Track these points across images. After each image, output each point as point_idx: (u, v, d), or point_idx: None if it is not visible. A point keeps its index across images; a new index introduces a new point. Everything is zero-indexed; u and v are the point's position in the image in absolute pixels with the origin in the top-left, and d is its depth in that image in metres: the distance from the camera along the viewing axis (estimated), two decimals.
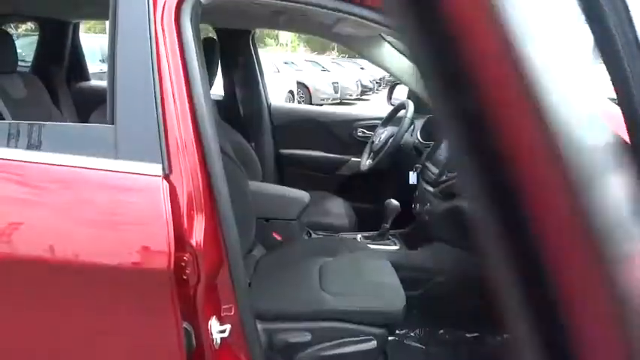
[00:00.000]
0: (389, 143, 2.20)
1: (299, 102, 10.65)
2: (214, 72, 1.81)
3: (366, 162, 2.40)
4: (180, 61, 1.07)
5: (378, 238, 2.07)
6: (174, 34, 1.06)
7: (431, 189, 1.93)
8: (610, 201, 0.32)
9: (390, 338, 1.90)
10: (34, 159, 1.00)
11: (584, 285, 0.32)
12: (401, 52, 2.49)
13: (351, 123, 2.74)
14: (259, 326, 1.36)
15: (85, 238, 0.98)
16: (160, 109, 1.02)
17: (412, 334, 1.98)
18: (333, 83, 12.38)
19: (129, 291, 1.00)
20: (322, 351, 1.35)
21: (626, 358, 0.33)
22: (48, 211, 1.01)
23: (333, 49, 30.28)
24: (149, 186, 0.98)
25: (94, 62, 5.46)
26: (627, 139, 0.65)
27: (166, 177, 1.00)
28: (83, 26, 4.69)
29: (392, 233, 2.09)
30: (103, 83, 1.73)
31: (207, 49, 1.79)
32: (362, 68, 17.55)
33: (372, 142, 2.44)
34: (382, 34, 2.24)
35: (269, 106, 2.68)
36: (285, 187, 2.01)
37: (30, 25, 6.57)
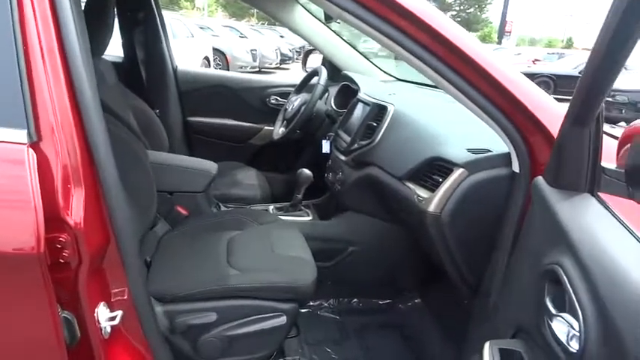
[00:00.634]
0: (301, 111, 2.13)
1: (215, 69, 10.23)
2: (109, 29, 1.61)
3: (278, 130, 2.31)
4: (49, 10, 0.91)
5: (290, 209, 2.00)
6: None
7: (343, 157, 1.89)
8: None
9: (303, 311, 1.88)
10: None
11: None
12: (315, 17, 2.41)
13: (263, 90, 2.63)
14: (159, 309, 1.25)
15: None
16: (23, 65, 0.86)
17: (326, 304, 1.96)
18: (251, 51, 12.01)
19: None
20: (229, 330, 1.28)
21: None
22: None
23: (253, 15, 29.42)
24: (10, 156, 0.83)
25: None
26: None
27: (33, 145, 0.85)
28: None
29: (305, 204, 2.04)
30: None
31: (99, 0, 1.59)
32: (281, 36, 17.24)
33: (285, 109, 2.35)
34: None
35: (175, 69, 2.49)
36: (190, 158, 1.88)
37: None
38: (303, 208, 2.01)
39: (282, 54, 14.43)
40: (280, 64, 14.32)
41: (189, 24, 10.34)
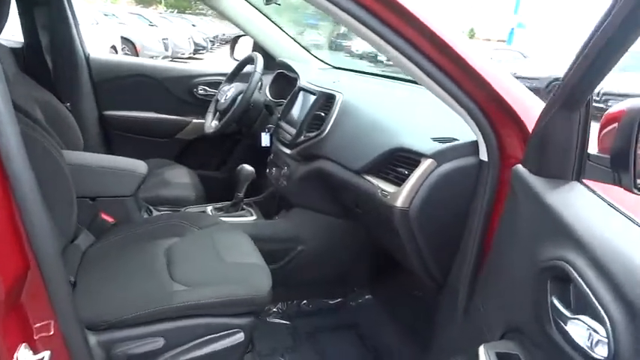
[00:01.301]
0: (237, 102, 1.96)
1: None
2: (2, 8, 1.34)
3: (211, 123, 2.12)
4: None
5: (231, 209, 1.83)
6: None
7: (288, 151, 1.75)
8: None
9: None
10: None
11: None
12: (247, 1, 2.23)
13: (190, 79, 2.40)
14: (92, 339, 1.05)
15: None
16: None
17: (274, 309, 1.83)
18: (162, 40, 11.37)
19: None
20: (180, 356, 1.11)
21: None
22: None
23: (160, 2, 28.08)
24: None
25: None
26: None
27: None
28: None
29: (247, 202, 1.88)
30: None
31: None
32: (193, 25, 16.60)
33: (217, 100, 2.16)
34: None
35: (87, 57, 2.19)
36: (115, 157, 1.65)
37: None
38: (245, 207, 1.85)
39: (195, 43, 13.86)
40: (194, 54, 13.76)
41: (92, 10, 9.56)
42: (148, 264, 1.30)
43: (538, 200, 0.83)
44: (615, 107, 0.79)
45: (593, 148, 0.86)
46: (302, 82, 1.92)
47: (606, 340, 0.63)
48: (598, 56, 0.73)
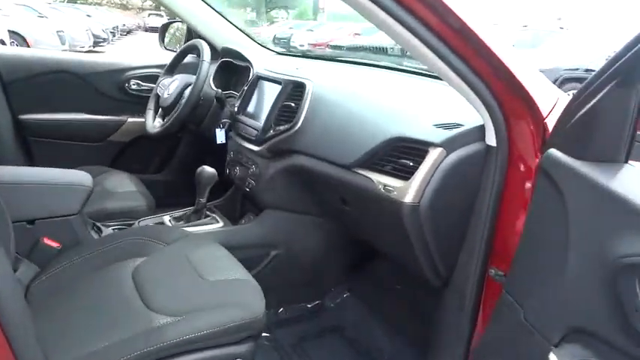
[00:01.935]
0: (185, 96, 1.74)
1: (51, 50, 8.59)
2: None
3: (154, 123, 1.88)
4: None
5: (193, 217, 1.63)
6: None
7: (255, 148, 1.58)
8: None
9: None
10: None
11: None
12: None
13: (120, 73, 2.13)
14: None
15: None
16: None
17: None
18: (57, 32, 10.38)
19: None
20: None
21: None
22: None
23: None
24: None
25: None
26: None
27: None
28: None
29: (208, 207, 1.68)
30: None
31: None
32: (88, 15, 15.41)
33: (158, 96, 1.92)
34: None
35: None
36: (52, 170, 1.38)
37: None
38: (208, 213, 1.65)
39: (94, 35, 12.85)
40: (94, 47, 12.77)
41: None
42: (115, 294, 1.09)
43: (596, 188, 0.75)
44: None
45: None
46: (259, 69, 1.75)
47: None
48: None
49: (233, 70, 2.05)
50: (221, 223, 1.62)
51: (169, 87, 1.86)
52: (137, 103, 2.10)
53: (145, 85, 2.14)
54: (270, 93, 1.59)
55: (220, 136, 1.80)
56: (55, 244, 1.31)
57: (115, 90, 2.12)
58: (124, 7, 27.01)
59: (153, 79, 2.10)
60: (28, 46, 9.57)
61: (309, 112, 1.43)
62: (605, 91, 0.77)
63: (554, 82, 1.24)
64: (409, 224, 1.11)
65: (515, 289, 0.98)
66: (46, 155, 2.01)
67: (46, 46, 9.94)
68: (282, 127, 1.48)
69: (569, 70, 7.54)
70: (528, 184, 1.01)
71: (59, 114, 2.03)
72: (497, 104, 0.99)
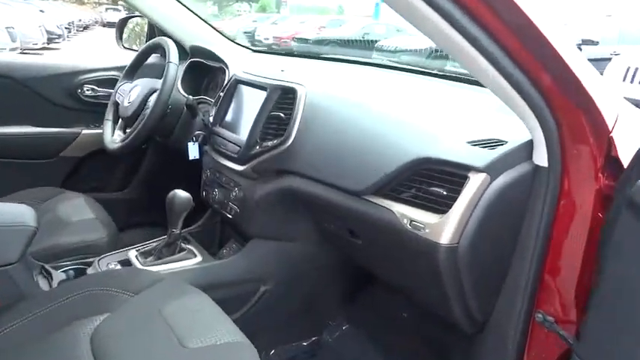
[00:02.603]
0: (151, 104, 1.47)
1: None
2: None
3: (113, 137, 1.60)
4: None
5: (165, 251, 1.36)
6: None
7: (237, 167, 1.32)
8: None
9: None
10: None
11: None
12: None
13: (70, 78, 1.83)
14: None
15: None
16: None
17: None
18: (7, 28, 9.75)
19: None
20: None
21: None
22: None
23: None
24: None
25: None
26: None
27: None
28: None
29: (184, 236, 1.42)
30: None
31: None
32: (41, 11, 14.63)
33: (117, 104, 1.64)
34: None
35: None
36: None
37: None
38: (183, 246, 1.38)
39: (48, 31, 12.20)
40: (48, 44, 12.13)
41: None
42: None
43: None
44: None
45: None
46: (235, 72, 1.49)
47: None
48: None
49: (204, 72, 1.79)
50: (199, 257, 1.35)
51: (130, 93, 1.58)
52: (92, 111, 1.82)
53: (101, 91, 1.85)
54: (253, 101, 1.33)
55: (193, 150, 1.53)
56: None
57: (65, 97, 1.82)
58: (80, 1, 26.01)
59: (110, 83, 1.82)
60: None
61: (302, 125, 1.19)
62: None
63: None
64: (445, 268, 0.89)
65: (590, 353, 0.77)
66: None
67: None
68: (270, 143, 1.23)
69: None
70: (585, 213, 0.82)
71: None
72: (550, 113, 0.79)
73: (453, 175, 0.88)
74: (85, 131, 1.84)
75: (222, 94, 1.47)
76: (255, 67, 1.49)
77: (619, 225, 0.72)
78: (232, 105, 1.43)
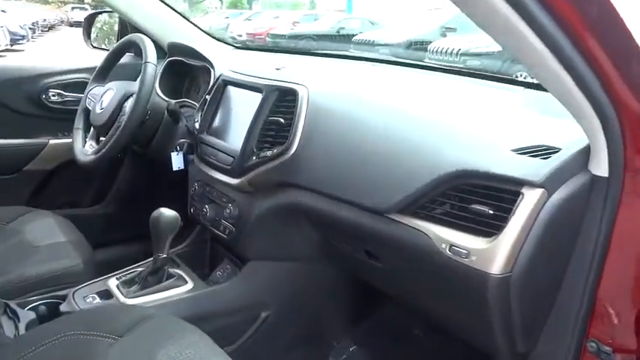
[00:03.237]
0: (128, 110, 1.30)
1: None
2: None
3: (85, 146, 1.42)
4: None
5: (151, 279, 1.18)
6: None
7: (231, 180, 1.16)
8: None
9: None
10: None
11: None
12: None
13: (33, 82, 1.64)
14: None
15: None
16: None
17: None
18: None
19: None
20: None
21: None
22: None
23: None
24: None
25: None
26: None
27: None
28: None
29: (171, 258, 1.25)
30: None
31: None
32: (3, 11, 14.09)
33: (88, 110, 1.46)
34: None
35: None
36: None
37: None
38: (171, 271, 1.21)
39: (11, 32, 11.83)
40: (12, 45, 11.71)
41: None
42: None
43: None
44: None
45: None
46: (222, 72, 1.33)
47: None
48: None
49: (184, 72, 1.62)
50: (190, 284, 1.19)
51: (103, 98, 1.40)
52: (60, 119, 1.64)
53: (69, 96, 1.67)
54: (246, 104, 1.17)
55: (177, 161, 1.36)
56: None
57: (28, 104, 1.63)
58: (44, 0, 25.23)
59: (79, 87, 1.63)
60: None
61: (306, 131, 1.03)
62: None
63: None
64: (493, 299, 0.75)
65: None
66: None
67: None
68: (269, 153, 1.07)
69: None
70: None
71: None
72: (616, 114, 0.66)
73: (500, 191, 0.74)
74: (53, 141, 1.65)
75: (208, 97, 1.30)
76: (244, 66, 1.33)
77: None
78: (221, 109, 1.27)
